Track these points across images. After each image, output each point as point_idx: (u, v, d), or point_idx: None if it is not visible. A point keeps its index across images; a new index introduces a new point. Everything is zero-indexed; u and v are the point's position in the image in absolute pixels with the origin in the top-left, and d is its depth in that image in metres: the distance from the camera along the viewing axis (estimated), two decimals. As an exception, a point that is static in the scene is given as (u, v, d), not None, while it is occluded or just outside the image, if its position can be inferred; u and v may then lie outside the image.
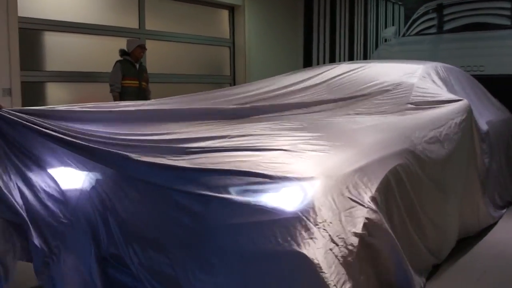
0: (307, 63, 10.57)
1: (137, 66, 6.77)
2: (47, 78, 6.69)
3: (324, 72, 4.95)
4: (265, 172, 2.44)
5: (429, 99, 3.96)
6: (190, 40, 8.53)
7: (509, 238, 4.30)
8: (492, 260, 3.76)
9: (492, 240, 4.25)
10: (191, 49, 8.59)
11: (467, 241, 4.18)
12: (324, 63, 10.39)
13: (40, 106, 6.41)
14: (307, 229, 2.31)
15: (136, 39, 6.95)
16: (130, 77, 6.63)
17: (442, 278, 3.42)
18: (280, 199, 2.39)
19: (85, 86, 7.12)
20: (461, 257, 3.82)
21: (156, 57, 7.99)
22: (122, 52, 6.71)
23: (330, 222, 2.38)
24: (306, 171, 2.49)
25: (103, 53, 7.30)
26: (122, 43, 7.41)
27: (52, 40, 6.71)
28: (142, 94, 6.77)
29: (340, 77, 4.73)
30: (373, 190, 2.64)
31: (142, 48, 6.79)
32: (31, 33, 6.48)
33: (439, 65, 4.61)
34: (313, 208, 2.36)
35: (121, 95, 6.53)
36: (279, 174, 2.44)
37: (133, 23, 7.67)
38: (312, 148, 2.75)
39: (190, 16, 8.62)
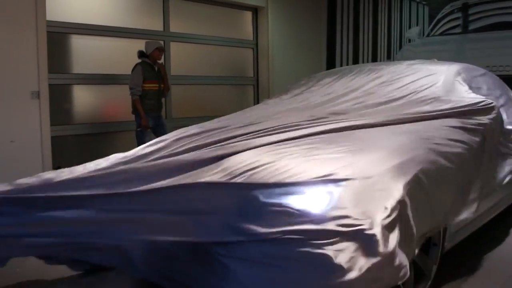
0: (330, 64, 10.55)
1: (156, 68, 6.79)
2: (74, 81, 6.80)
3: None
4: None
5: (457, 103, 3.91)
6: (214, 42, 8.59)
7: (536, 241, 4.27)
8: (519, 264, 3.73)
9: (518, 243, 4.22)
10: (215, 51, 8.64)
11: (491, 245, 4.17)
12: (347, 64, 10.37)
13: (66, 108, 6.62)
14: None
15: (155, 41, 6.95)
16: (150, 80, 6.62)
17: (467, 282, 3.41)
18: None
19: (110, 88, 7.22)
20: (486, 261, 3.81)
21: (180, 59, 8.07)
22: (141, 54, 6.70)
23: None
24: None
25: (128, 56, 7.37)
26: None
27: (79, 43, 6.83)
28: (161, 96, 6.85)
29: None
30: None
31: (161, 50, 6.77)
32: (59, 36, 6.60)
33: (466, 66, 4.57)
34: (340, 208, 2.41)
35: (142, 98, 6.54)
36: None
37: (158, 26, 7.76)
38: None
39: (213, 18, 8.68)
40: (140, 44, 7.44)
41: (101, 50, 7.08)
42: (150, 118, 6.60)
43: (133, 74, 6.57)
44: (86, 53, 6.91)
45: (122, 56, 7.31)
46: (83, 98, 6.98)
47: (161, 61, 6.95)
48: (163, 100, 7.07)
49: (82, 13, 6.80)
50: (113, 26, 7.12)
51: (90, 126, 6.99)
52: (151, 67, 6.68)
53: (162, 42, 6.98)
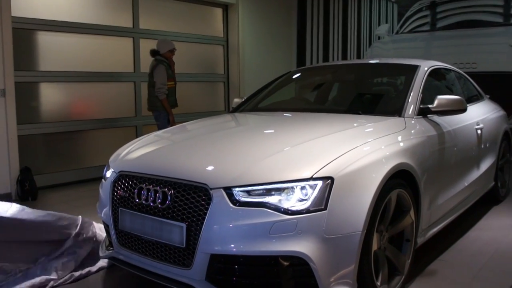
0: (301, 61, 10.59)
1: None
2: (42, 79, 6.65)
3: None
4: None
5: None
6: (184, 39, 8.51)
7: (503, 235, 4.35)
8: (488, 258, 3.80)
9: (486, 237, 4.30)
10: (185, 48, 8.57)
11: (462, 240, 4.24)
12: (317, 61, 10.41)
13: (34, 106, 6.48)
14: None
15: (169, 42, 6.96)
16: (169, 78, 6.78)
17: (440, 275, 3.45)
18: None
19: (80, 86, 7.09)
20: (457, 255, 3.87)
21: (150, 56, 7.95)
22: (154, 52, 6.80)
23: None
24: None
25: (97, 53, 7.27)
26: (115, 42, 7.42)
27: (46, 40, 6.68)
28: (175, 93, 6.98)
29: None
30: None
31: (172, 52, 6.90)
32: (25, 33, 6.44)
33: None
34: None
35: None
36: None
37: (127, 22, 7.65)
38: None
39: (183, 14, 8.60)
40: (109, 41, 7.36)
41: (70, 47, 6.94)
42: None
43: (157, 73, 6.65)
44: (53, 50, 6.76)
45: (92, 53, 7.19)
46: (51, 96, 6.83)
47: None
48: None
49: (49, 9, 6.66)
50: (81, 22, 6.99)
51: (59, 124, 6.85)
52: (169, 66, 6.83)
53: (174, 43, 6.99)
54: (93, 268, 3.59)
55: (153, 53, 6.82)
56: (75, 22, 6.91)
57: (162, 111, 6.76)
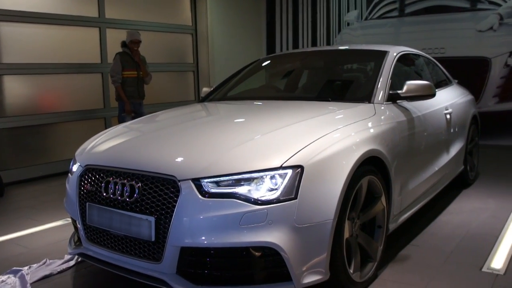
0: (271, 49, 10.55)
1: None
2: (5, 71, 6.47)
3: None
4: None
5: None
6: (152, 28, 8.39)
7: (473, 218, 4.41)
8: (459, 241, 3.83)
9: (457, 221, 4.34)
10: (153, 37, 8.44)
11: (432, 224, 4.28)
12: (287, 48, 10.38)
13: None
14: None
15: (132, 32, 7.07)
16: (129, 68, 6.97)
17: (410, 260, 3.47)
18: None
19: (45, 78, 6.93)
20: (429, 240, 3.90)
21: (117, 46, 7.81)
22: (123, 44, 7.06)
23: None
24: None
25: (63, 44, 7.11)
26: (81, 32, 7.28)
27: (8, 31, 6.48)
28: (140, 83, 7.17)
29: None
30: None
31: (133, 43, 7.01)
32: (-14, 24, 6.26)
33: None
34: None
35: (122, 85, 6.94)
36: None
37: (93, 12, 7.49)
38: None
39: (151, 3, 8.47)
40: (74, 31, 7.21)
41: (34, 38, 6.76)
42: (130, 105, 7.01)
43: (113, 63, 6.94)
44: (17, 42, 6.58)
45: (57, 44, 7.03)
46: (16, 89, 6.65)
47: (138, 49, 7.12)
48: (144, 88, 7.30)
49: None
50: (46, 12, 6.82)
51: (24, 118, 6.68)
52: (130, 56, 7.00)
53: (139, 34, 7.08)
54: (60, 267, 3.52)
55: (122, 44, 7.06)
56: (39, 12, 6.74)
57: (120, 101, 7.00)
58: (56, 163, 7.01)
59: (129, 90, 7.00)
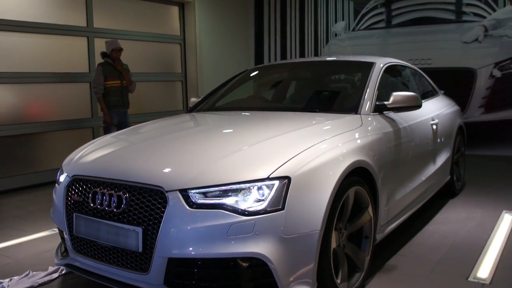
0: (259, 59, 10.59)
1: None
2: (-9, 80, 6.44)
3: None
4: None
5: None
6: (140, 37, 8.39)
7: (460, 228, 4.45)
8: (445, 251, 3.86)
9: (444, 231, 4.38)
10: (141, 47, 8.45)
11: (419, 234, 4.31)
12: (275, 58, 10.43)
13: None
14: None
15: (112, 41, 7.05)
16: (112, 77, 6.92)
17: (397, 270, 3.49)
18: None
19: (33, 87, 6.90)
20: (416, 249, 3.93)
21: (106, 56, 7.82)
22: (103, 55, 7.02)
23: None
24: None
25: (51, 53, 7.09)
26: (69, 41, 7.25)
27: (-5, 41, 6.47)
28: (124, 92, 7.11)
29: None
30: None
31: (116, 51, 6.99)
32: (-27, 33, 6.23)
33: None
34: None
35: (106, 96, 6.90)
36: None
37: (81, 21, 7.48)
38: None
39: (139, 13, 8.48)
40: (62, 41, 7.20)
41: (21, 47, 6.74)
42: (115, 114, 6.97)
43: (95, 75, 6.91)
44: (4, 51, 6.55)
45: (44, 53, 7.01)
46: (2, 98, 6.61)
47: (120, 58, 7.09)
48: (129, 96, 7.25)
49: (-2, 9, 6.45)
50: (33, 21, 6.80)
51: (11, 127, 6.64)
52: (112, 66, 6.95)
53: (119, 42, 7.09)
54: (42, 279, 3.48)
55: (102, 55, 7.04)
56: (26, 21, 6.72)
57: (111, 110, 6.99)
58: (42, 172, 6.97)
59: (114, 99, 6.95)
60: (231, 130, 3.53)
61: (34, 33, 6.84)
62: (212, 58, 9.52)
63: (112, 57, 6.96)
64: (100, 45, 7.63)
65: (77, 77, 7.45)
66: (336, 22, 9.82)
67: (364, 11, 9.45)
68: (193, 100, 4.87)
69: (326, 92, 4.55)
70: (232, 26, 10.09)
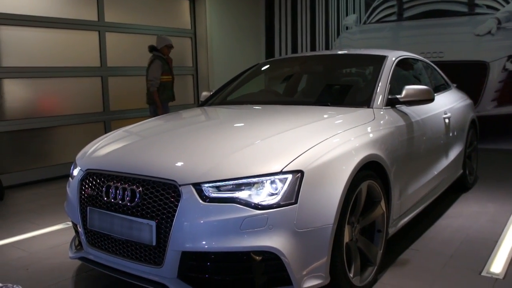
0: (270, 53, 10.57)
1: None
2: (5, 75, 6.48)
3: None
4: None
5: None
6: (151, 31, 8.40)
7: (472, 222, 4.43)
8: (458, 245, 3.85)
9: (456, 225, 4.36)
10: (152, 41, 8.45)
11: (432, 229, 4.29)
12: (286, 52, 10.41)
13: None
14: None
15: (165, 38, 7.32)
16: (166, 72, 7.19)
17: (409, 264, 3.49)
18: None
19: (45, 82, 6.94)
20: (428, 244, 3.92)
21: (116, 50, 7.85)
22: (152, 48, 7.23)
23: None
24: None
25: (63, 47, 7.12)
26: (81, 36, 7.28)
27: (8, 35, 6.50)
28: (173, 87, 7.41)
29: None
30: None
31: (169, 47, 7.30)
32: (-14, 28, 6.28)
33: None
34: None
35: (160, 89, 7.10)
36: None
37: (92, 15, 7.51)
38: None
39: (150, 7, 8.48)
40: (74, 35, 7.22)
41: (34, 42, 6.77)
42: (166, 107, 7.18)
43: (152, 67, 7.05)
44: (17, 45, 6.59)
45: (56, 48, 7.04)
46: (16, 93, 6.66)
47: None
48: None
49: (11, 3, 6.48)
50: (45, 16, 6.83)
51: (24, 121, 6.69)
52: (165, 61, 7.20)
53: (171, 39, 7.37)
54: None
55: (151, 48, 7.22)
56: (38, 16, 6.75)
57: (152, 104, 7.16)
58: (55, 166, 7.02)
59: (168, 93, 7.21)
60: (243, 124, 3.53)
61: (46, 27, 6.87)
62: (223, 51, 9.51)
63: (163, 52, 7.19)
64: (111, 39, 7.66)
65: (89, 71, 7.48)
66: (347, 15, 9.77)
67: (375, 4, 9.39)
68: (205, 94, 4.88)
69: (338, 86, 4.54)
70: (243, 19, 10.08)
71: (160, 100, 7.08)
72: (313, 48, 10.19)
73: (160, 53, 7.19)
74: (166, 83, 7.18)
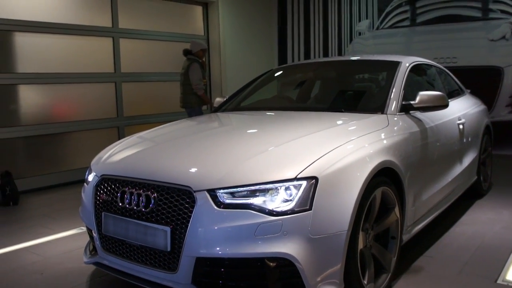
0: (282, 59, 10.58)
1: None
2: (20, 81, 6.55)
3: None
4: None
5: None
6: (164, 37, 8.45)
7: (487, 229, 4.39)
8: (473, 253, 3.82)
9: (471, 232, 4.33)
10: (166, 47, 8.51)
11: (446, 235, 4.27)
12: (299, 58, 10.41)
13: (12, 109, 6.37)
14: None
15: (200, 42, 7.53)
16: (203, 75, 7.32)
17: (424, 271, 3.47)
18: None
19: (59, 88, 7.00)
20: (443, 250, 3.89)
21: (130, 56, 7.90)
22: (187, 52, 7.38)
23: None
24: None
25: (77, 53, 7.18)
26: (95, 42, 7.34)
27: (23, 41, 6.58)
28: (207, 90, 7.54)
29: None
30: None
31: (204, 51, 7.48)
32: (2, 34, 6.34)
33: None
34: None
35: (194, 93, 7.19)
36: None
37: (106, 22, 7.57)
38: None
39: (163, 13, 8.54)
40: (89, 41, 7.28)
41: (48, 48, 6.84)
42: (199, 111, 7.26)
43: (193, 71, 7.17)
44: (32, 52, 6.66)
45: (71, 54, 7.10)
46: (31, 99, 6.73)
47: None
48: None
49: (27, 10, 6.56)
50: (60, 23, 6.90)
51: (39, 127, 6.75)
52: (200, 64, 7.34)
53: (205, 43, 7.67)
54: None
55: (186, 52, 7.38)
56: (53, 22, 6.82)
57: (196, 107, 7.22)
58: (69, 171, 7.07)
59: (206, 96, 7.35)
60: (257, 130, 3.54)
61: (61, 34, 6.94)
62: (236, 57, 9.54)
63: (199, 56, 7.34)
64: (125, 45, 7.72)
65: (103, 77, 7.54)
66: (360, 20, 9.76)
67: (388, 9, 9.38)
68: (218, 100, 4.90)
69: (352, 92, 4.54)
70: (256, 25, 10.10)
71: (196, 103, 7.20)
72: (325, 54, 10.19)
73: (195, 57, 7.32)
74: (204, 87, 7.35)
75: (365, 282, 2.87)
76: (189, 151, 3.09)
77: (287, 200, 2.51)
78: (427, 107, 3.73)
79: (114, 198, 2.92)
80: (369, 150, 2.99)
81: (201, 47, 7.40)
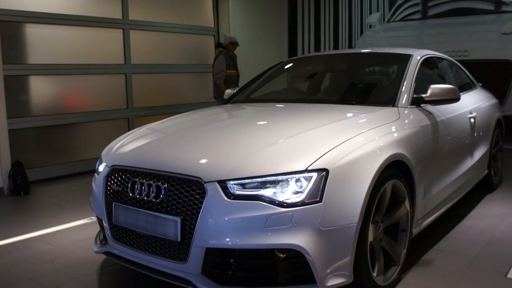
0: (292, 51, 10.55)
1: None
2: (31, 72, 6.58)
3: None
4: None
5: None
6: (174, 29, 8.45)
7: (497, 223, 4.37)
8: (483, 246, 3.81)
9: (481, 226, 4.31)
10: (175, 39, 8.51)
11: (457, 229, 4.25)
12: (309, 50, 10.38)
13: (24, 100, 6.41)
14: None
15: (230, 36, 8.00)
16: (231, 67, 7.71)
17: (433, 264, 3.46)
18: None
19: (70, 79, 7.03)
20: (452, 244, 3.88)
21: (140, 48, 7.91)
22: (218, 45, 7.88)
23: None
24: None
25: (87, 45, 7.20)
26: (105, 33, 7.36)
27: (34, 33, 6.60)
28: (238, 82, 7.82)
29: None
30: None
31: (234, 44, 7.87)
32: (13, 25, 6.37)
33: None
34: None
35: (225, 83, 7.54)
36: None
37: (117, 13, 7.58)
38: None
39: (174, 5, 8.53)
40: (99, 33, 7.30)
41: (59, 40, 6.86)
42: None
43: (217, 61, 7.63)
44: (43, 43, 6.68)
45: (81, 45, 7.12)
46: (41, 90, 6.76)
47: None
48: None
49: (37, 1, 6.57)
50: (71, 14, 6.92)
51: (49, 118, 6.78)
52: (230, 56, 7.73)
53: (236, 37, 7.92)
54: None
55: (217, 45, 7.91)
56: (64, 14, 6.84)
57: (219, 98, 7.41)
58: (80, 162, 7.11)
59: (232, 87, 7.22)
60: (267, 122, 3.54)
61: (71, 25, 6.96)
62: (246, 50, 9.51)
63: (228, 48, 7.74)
64: (135, 37, 7.73)
65: (113, 69, 7.56)
66: (370, 13, 9.71)
67: (399, 2, 9.31)
68: (228, 91, 4.90)
69: (362, 85, 4.52)
70: (266, 18, 10.07)
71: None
72: (336, 47, 10.15)
73: (225, 49, 7.68)
74: (231, 77, 7.63)
75: (375, 274, 2.87)
76: (199, 143, 3.10)
77: (297, 192, 2.51)
78: (438, 101, 3.71)
79: (125, 189, 2.94)
80: (379, 143, 2.98)
81: (230, 40, 7.77)
